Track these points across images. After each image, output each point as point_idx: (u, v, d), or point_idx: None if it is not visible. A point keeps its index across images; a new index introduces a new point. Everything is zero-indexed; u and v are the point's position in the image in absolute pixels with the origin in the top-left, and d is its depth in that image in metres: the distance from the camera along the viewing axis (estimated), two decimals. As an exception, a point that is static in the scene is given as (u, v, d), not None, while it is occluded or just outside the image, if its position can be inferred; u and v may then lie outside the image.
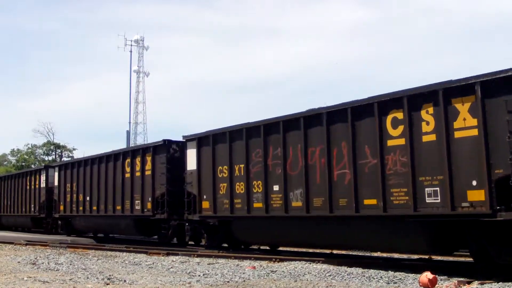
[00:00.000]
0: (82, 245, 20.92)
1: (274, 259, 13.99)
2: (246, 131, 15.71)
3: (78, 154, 60.05)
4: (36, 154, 64.76)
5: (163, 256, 16.08)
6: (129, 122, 60.37)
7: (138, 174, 21.06)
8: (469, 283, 9.63)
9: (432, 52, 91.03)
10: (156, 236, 21.85)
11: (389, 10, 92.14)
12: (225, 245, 17.98)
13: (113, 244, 21.62)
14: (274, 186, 14.74)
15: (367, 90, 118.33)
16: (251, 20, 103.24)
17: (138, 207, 20.88)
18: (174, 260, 14.98)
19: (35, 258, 15.31)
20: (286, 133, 14.45)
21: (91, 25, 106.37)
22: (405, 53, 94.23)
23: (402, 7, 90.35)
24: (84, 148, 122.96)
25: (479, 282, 9.64)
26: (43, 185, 29.65)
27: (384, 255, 15.77)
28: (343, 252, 16.78)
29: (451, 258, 14.18)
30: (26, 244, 21.15)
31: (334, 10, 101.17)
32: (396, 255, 15.50)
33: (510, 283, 9.46)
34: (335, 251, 16.89)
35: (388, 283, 10.13)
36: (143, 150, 21.14)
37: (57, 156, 63.39)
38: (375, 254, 16.16)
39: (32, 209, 30.82)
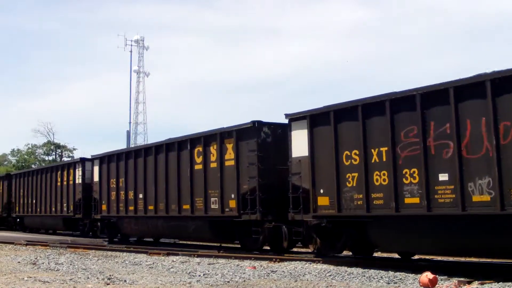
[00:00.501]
0: (82, 245, 20.92)
1: (274, 259, 13.99)
2: (391, 104, 11.91)
3: (78, 154, 60.11)
4: (36, 154, 64.84)
5: (163, 256, 16.09)
6: (129, 122, 60.36)
7: (214, 165, 16.99)
8: (469, 283, 9.63)
9: (432, 52, 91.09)
10: (238, 241, 17.76)
11: (389, 10, 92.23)
12: (348, 253, 14.80)
13: (113, 244, 21.63)
14: (441, 175, 11.09)
15: (367, 90, 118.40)
16: (251, 20, 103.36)
17: (215, 206, 16.83)
18: (175, 260, 14.99)
19: (36, 258, 15.34)
20: (460, 103, 10.81)
21: (91, 25, 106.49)
22: (405, 53, 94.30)
23: (402, 7, 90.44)
24: (84, 148, 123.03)
25: (479, 282, 9.64)
26: (78, 181, 25.77)
27: (385, 255, 15.75)
28: (343, 252, 16.75)
29: (451, 258, 14.18)
30: (27, 244, 21.18)
31: (334, 10, 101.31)
32: (396, 255, 15.48)
33: (510, 283, 9.47)
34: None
35: (388, 283, 10.14)
36: (221, 135, 16.85)
37: (57, 156, 63.45)
38: (375, 254, 16.14)
39: (65, 208, 26.74)
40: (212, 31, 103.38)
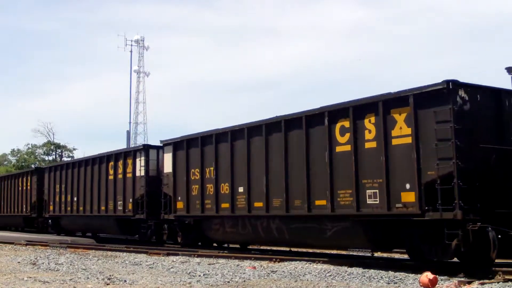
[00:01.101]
0: (82, 245, 20.90)
1: (274, 259, 13.98)
2: None
3: (78, 154, 60.23)
4: (36, 154, 64.93)
5: (163, 256, 16.07)
6: (129, 122, 60.19)
7: (371, 145, 12.56)
8: (469, 283, 9.64)
9: (432, 52, 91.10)
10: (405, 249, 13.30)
11: (389, 10, 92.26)
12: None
13: (113, 244, 21.58)
14: None
15: (367, 90, 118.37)
16: (251, 20, 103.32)
17: (374, 201, 12.38)
18: (174, 260, 14.98)
19: (35, 258, 15.32)
20: None
21: (91, 25, 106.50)
22: (405, 53, 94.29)
23: (402, 7, 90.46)
24: (84, 148, 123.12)
25: (479, 282, 9.64)
26: (140, 173, 21.01)
27: (385, 255, 15.76)
28: (343, 252, 16.78)
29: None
30: (26, 244, 21.17)
31: (334, 10, 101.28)
32: (396, 255, 15.49)
33: (510, 283, 9.47)
34: (334, 251, 16.89)
35: (389, 283, 10.14)
36: (385, 104, 12.31)
37: (57, 156, 63.48)
38: (376, 254, 16.16)
39: (120, 207, 21.95)
40: (212, 31, 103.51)
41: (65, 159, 59.99)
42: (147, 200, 20.55)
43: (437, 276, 9.57)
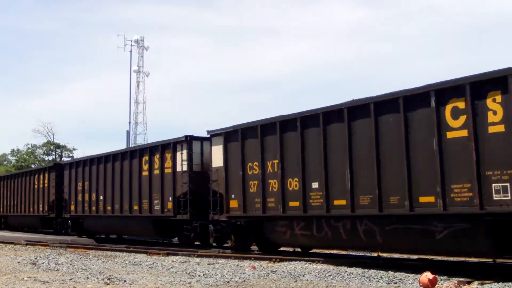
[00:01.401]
0: (82, 245, 20.89)
1: (274, 259, 13.98)
2: None
3: (78, 154, 60.18)
4: (36, 154, 64.94)
5: (163, 256, 16.08)
6: (129, 122, 60.19)
7: (495, 129, 10.22)
8: (469, 283, 9.64)
9: (432, 52, 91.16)
10: None
11: (389, 10, 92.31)
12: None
13: (113, 244, 21.57)
14: None
15: (367, 90, 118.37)
16: (251, 20, 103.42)
17: (502, 196, 10.02)
18: (174, 260, 14.99)
19: (35, 258, 15.32)
20: None
21: (91, 25, 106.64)
22: (405, 53, 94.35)
23: (402, 7, 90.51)
24: (84, 148, 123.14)
25: (479, 282, 9.65)
26: (181, 167, 18.65)
27: (384, 255, 15.76)
28: (343, 252, 16.78)
29: (451, 258, 14.18)
30: (26, 244, 21.16)
31: (333, 10, 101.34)
32: (396, 255, 15.49)
33: (510, 283, 9.47)
34: (334, 251, 16.89)
35: (388, 283, 10.14)
36: None
37: (57, 156, 63.48)
38: (375, 254, 16.17)
39: (156, 207, 19.75)
40: (212, 31, 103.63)
41: (64, 159, 59.98)
42: (191, 199, 18.31)
43: (436, 276, 9.58)
